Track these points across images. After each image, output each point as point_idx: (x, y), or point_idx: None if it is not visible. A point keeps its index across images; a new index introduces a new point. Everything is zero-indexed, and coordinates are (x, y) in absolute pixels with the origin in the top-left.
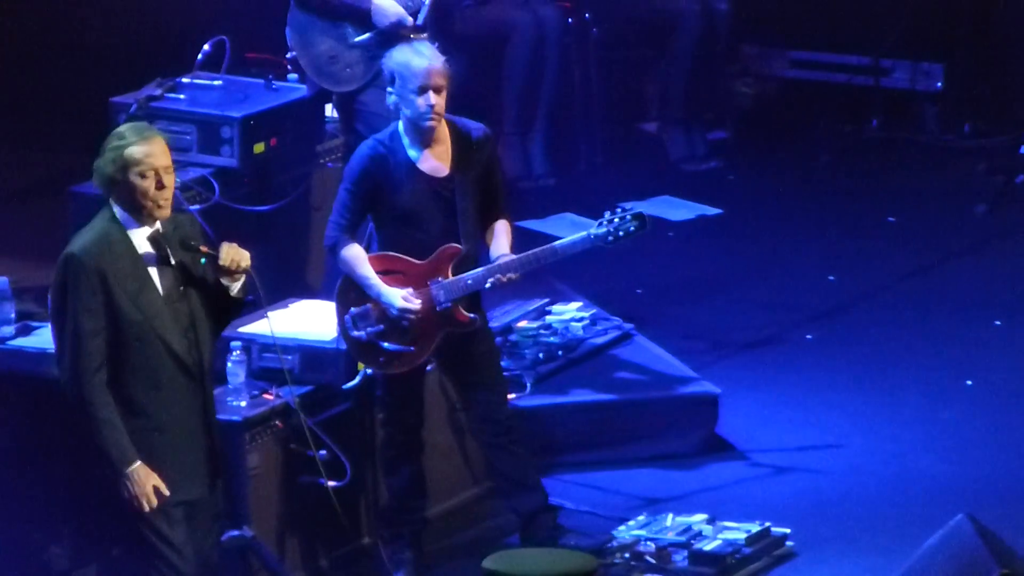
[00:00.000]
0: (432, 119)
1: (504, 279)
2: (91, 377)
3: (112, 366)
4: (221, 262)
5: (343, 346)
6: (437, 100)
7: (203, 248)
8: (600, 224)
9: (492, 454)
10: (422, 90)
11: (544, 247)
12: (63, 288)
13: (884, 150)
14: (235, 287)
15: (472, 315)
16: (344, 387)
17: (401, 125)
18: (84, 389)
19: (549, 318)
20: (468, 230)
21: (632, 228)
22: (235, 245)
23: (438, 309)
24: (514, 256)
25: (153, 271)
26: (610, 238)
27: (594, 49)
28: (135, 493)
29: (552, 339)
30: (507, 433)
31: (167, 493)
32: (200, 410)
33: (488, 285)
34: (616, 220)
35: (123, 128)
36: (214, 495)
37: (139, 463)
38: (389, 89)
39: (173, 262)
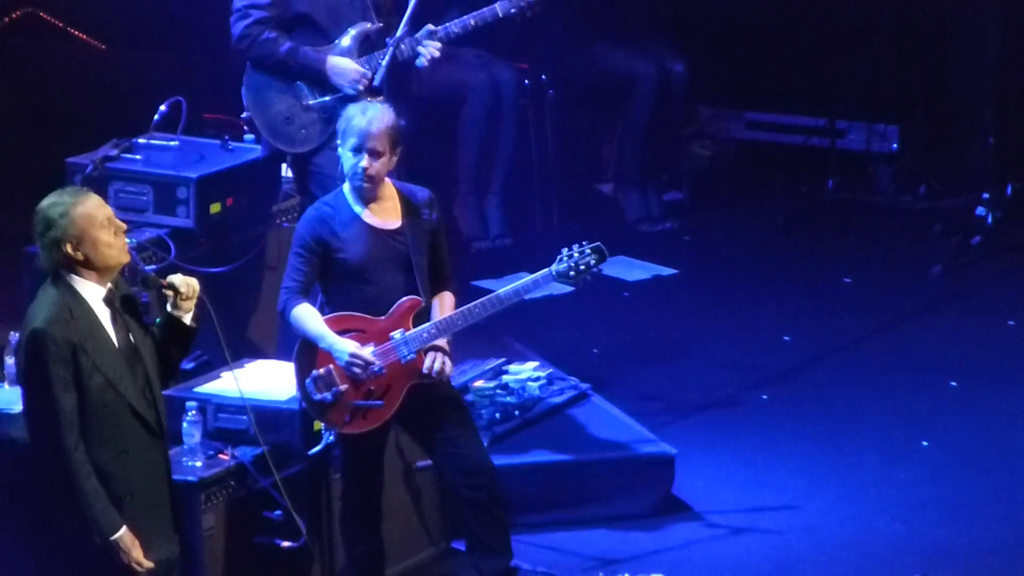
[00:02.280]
0: (364, 181)
1: (464, 326)
2: (75, 449)
3: (81, 437)
4: (180, 288)
5: (299, 406)
6: (369, 163)
7: (163, 281)
8: (560, 260)
9: (467, 510)
10: (356, 151)
11: (502, 291)
12: (35, 366)
13: (840, 211)
14: (187, 317)
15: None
16: (309, 453)
17: (346, 186)
18: (70, 463)
19: (506, 378)
20: (424, 283)
21: (592, 261)
22: (180, 274)
23: (403, 362)
24: (472, 305)
25: (111, 332)
26: (571, 272)
27: (550, 110)
28: (128, 560)
29: (509, 399)
30: (486, 488)
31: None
32: (163, 466)
33: (449, 332)
34: (575, 255)
35: (50, 200)
36: (175, 550)
37: (125, 529)
38: (337, 141)
39: (129, 322)
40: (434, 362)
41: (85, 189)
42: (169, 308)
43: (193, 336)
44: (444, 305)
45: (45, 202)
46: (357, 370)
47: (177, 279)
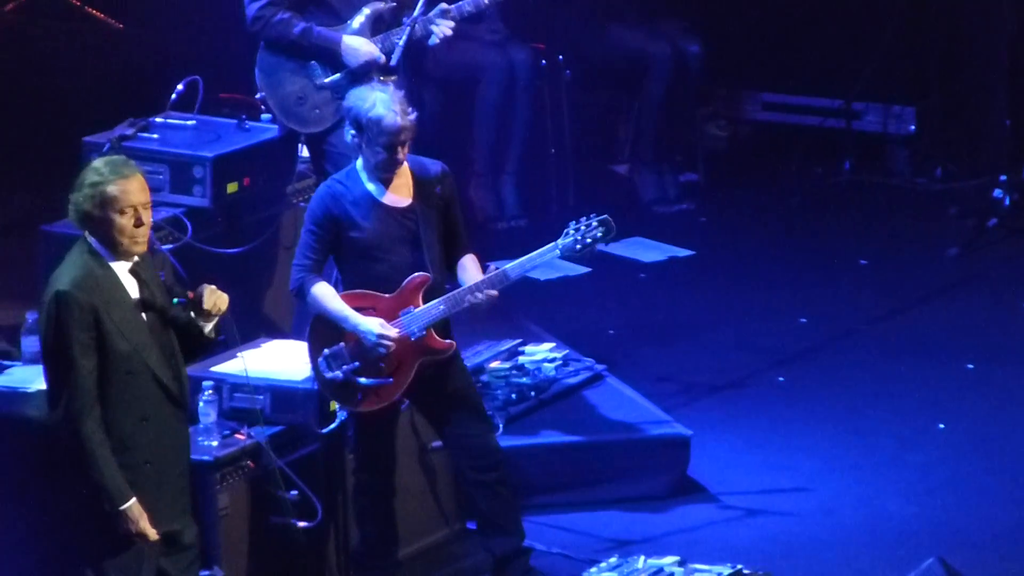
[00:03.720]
0: (393, 169)
1: (480, 297)
2: (88, 414)
3: (101, 402)
4: (204, 306)
5: (314, 386)
6: (403, 153)
7: (190, 294)
8: (566, 234)
9: (476, 492)
10: (390, 147)
11: (510, 266)
12: (56, 326)
13: (856, 193)
14: (208, 327)
15: (448, 340)
16: (322, 431)
17: (359, 163)
18: (84, 427)
19: (521, 359)
20: (434, 259)
21: (599, 234)
22: (215, 288)
23: (412, 339)
24: (482, 276)
25: (136, 301)
26: (577, 246)
27: (566, 91)
28: (135, 529)
29: (524, 380)
30: (494, 470)
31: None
32: (183, 439)
33: (466, 304)
34: (582, 228)
35: (100, 163)
36: (192, 526)
37: (134, 499)
38: (352, 131)
39: (155, 295)
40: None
41: (134, 170)
42: (192, 315)
43: (210, 346)
44: (468, 268)
45: (96, 163)
46: (383, 350)
47: (206, 296)
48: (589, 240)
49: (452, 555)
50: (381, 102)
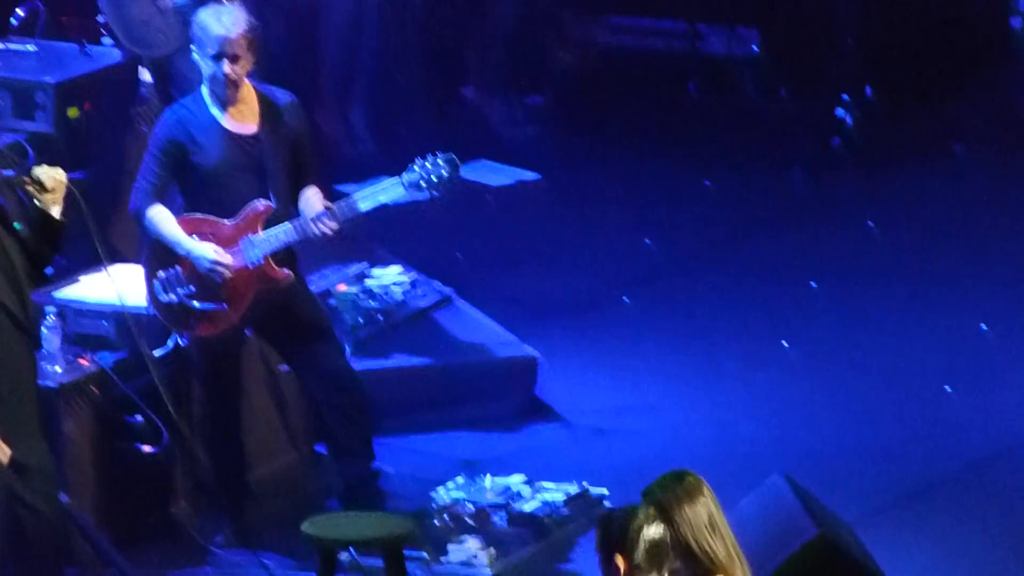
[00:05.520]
0: (227, 87)
1: (320, 227)
2: None
3: None
4: (47, 186)
5: (149, 310)
6: (231, 68)
7: (27, 178)
8: (411, 170)
9: (327, 414)
10: (217, 57)
11: (356, 196)
12: None
13: (701, 115)
14: (55, 210)
15: (285, 270)
16: (155, 354)
17: (204, 87)
18: None
19: (369, 282)
20: (278, 189)
21: (444, 172)
22: (46, 166)
23: (250, 267)
24: (325, 208)
25: None
26: (422, 182)
27: (412, 15)
28: None
29: (372, 303)
30: (345, 393)
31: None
32: (30, 366)
33: (306, 235)
34: (428, 165)
35: None
36: (41, 450)
37: None
38: (192, 47)
39: None
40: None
41: None
42: (37, 203)
43: (63, 231)
44: (310, 199)
45: None
46: (217, 276)
47: (41, 172)
48: (435, 178)
49: (301, 479)
50: (213, 13)
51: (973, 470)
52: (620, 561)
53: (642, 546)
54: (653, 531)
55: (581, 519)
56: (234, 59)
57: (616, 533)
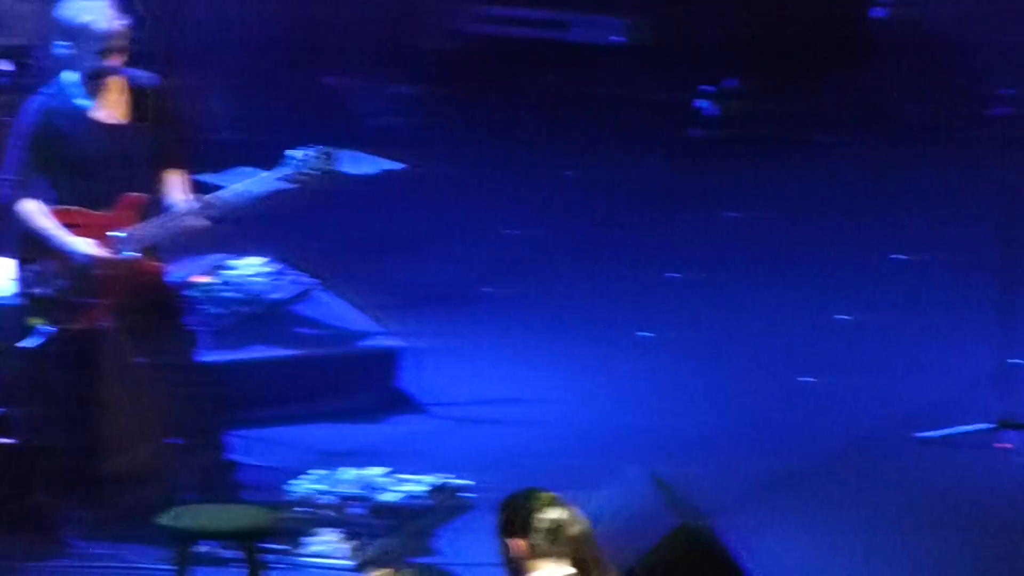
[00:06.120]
0: (105, 80)
1: (191, 223)
2: None
3: None
4: None
5: (18, 302)
6: (114, 63)
7: None
8: (286, 163)
9: (181, 406)
10: (103, 52)
11: (226, 189)
12: None
13: (566, 103)
14: None
15: (157, 262)
16: (20, 345)
17: (71, 76)
18: None
19: (229, 273)
20: (149, 179)
21: (320, 164)
22: None
23: (124, 259)
24: (199, 200)
25: None
26: (297, 176)
27: (277, 2)
28: None
29: (232, 294)
30: (196, 387)
31: None
32: None
33: (174, 230)
34: (301, 157)
35: None
36: None
37: None
38: (62, 42)
39: None
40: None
41: None
42: None
43: None
44: (180, 189)
45: None
46: (90, 270)
47: None
48: (309, 170)
49: (160, 470)
50: (91, 8)
51: (832, 459)
52: (520, 544)
53: (541, 529)
54: (552, 514)
55: (442, 510)
56: (118, 53)
57: (514, 518)
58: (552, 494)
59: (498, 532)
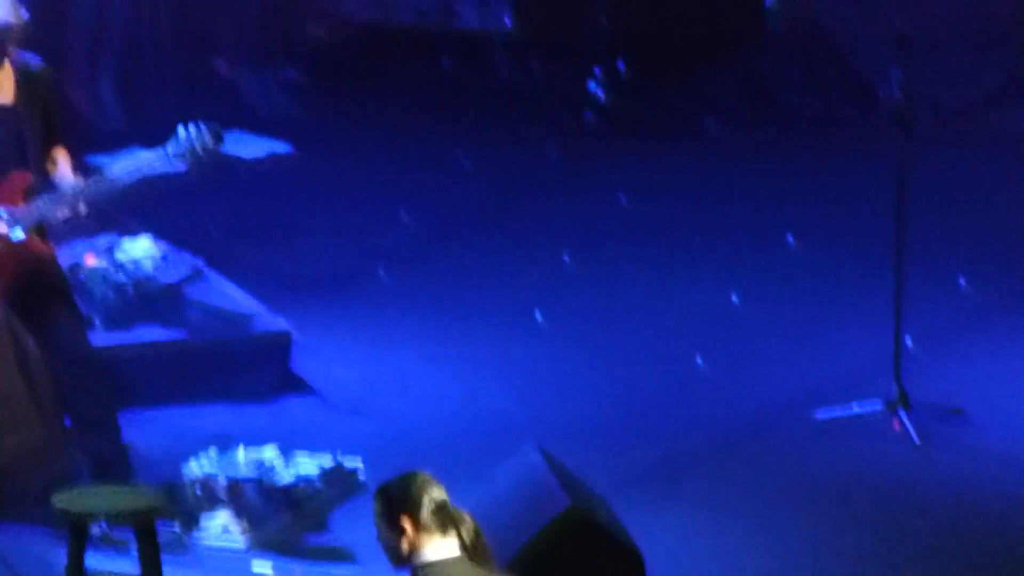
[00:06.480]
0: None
1: (78, 204)
2: None
3: None
4: None
5: None
6: (12, 50)
7: None
8: (175, 140)
9: (70, 393)
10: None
11: (115, 167)
12: None
13: (455, 89)
14: None
15: (47, 244)
16: None
17: None
18: None
19: (119, 255)
20: (36, 160)
21: (208, 141)
22: None
23: (13, 240)
24: (86, 180)
25: None
26: (187, 153)
27: None
28: None
29: (122, 277)
30: (87, 370)
31: None
32: None
33: (61, 210)
34: (192, 134)
35: None
36: None
37: None
38: None
39: None
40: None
41: None
42: None
43: None
44: (66, 170)
45: None
46: None
47: None
48: (200, 148)
49: (52, 453)
50: None
51: (724, 441)
52: (406, 522)
53: (428, 506)
54: (437, 493)
55: (335, 491)
56: (17, 42)
57: (399, 496)
58: (431, 476)
59: (381, 514)
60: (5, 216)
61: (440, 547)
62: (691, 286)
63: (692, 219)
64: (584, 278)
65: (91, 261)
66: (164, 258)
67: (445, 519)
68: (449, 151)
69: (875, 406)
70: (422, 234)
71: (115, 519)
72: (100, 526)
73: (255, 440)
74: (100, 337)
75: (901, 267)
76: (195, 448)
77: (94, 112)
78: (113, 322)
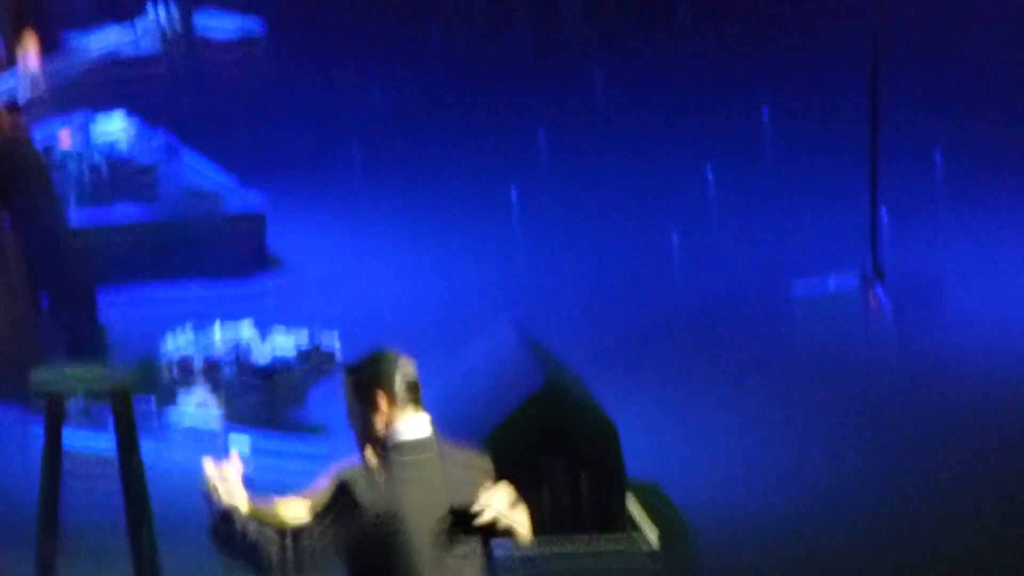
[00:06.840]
0: None
1: (50, 80)
2: None
3: None
4: None
5: None
6: None
7: None
8: (144, 17)
9: (47, 273)
10: None
11: (87, 44)
12: None
13: None
14: None
15: (22, 123)
16: None
17: None
18: None
19: (93, 133)
20: (4, 35)
21: (178, 19)
22: None
23: None
24: (58, 58)
25: None
26: (156, 31)
27: None
28: None
29: (96, 156)
30: (63, 249)
31: None
32: None
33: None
34: (161, 13)
35: None
36: None
37: None
38: None
39: None
40: None
41: None
42: None
43: None
44: (31, 51)
45: None
46: None
47: None
48: (167, 25)
49: (29, 331)
50: None
51: (700, 316)
52: (381, 398)
53: (401, 380)
54: (409, 369)
55: (310, 368)
56: None
57: (373, 373)
58: (402, 352)
59: (355, 391)
60: None
61: (414, 424)
62: (666, 161)
63: (667, 95)
64: (560, 148)
65: (66, 139)
66: (139, 137)
67: (418, 395)
68: (422, 27)
69: (851, 280)
70: (395, 111)
71: (92, 395)
72: (78, 403)
73: (231, 316)
74: (76, 216)
75: (876, 139)
76: (172, 325)
77: None
78: (88, 201)
